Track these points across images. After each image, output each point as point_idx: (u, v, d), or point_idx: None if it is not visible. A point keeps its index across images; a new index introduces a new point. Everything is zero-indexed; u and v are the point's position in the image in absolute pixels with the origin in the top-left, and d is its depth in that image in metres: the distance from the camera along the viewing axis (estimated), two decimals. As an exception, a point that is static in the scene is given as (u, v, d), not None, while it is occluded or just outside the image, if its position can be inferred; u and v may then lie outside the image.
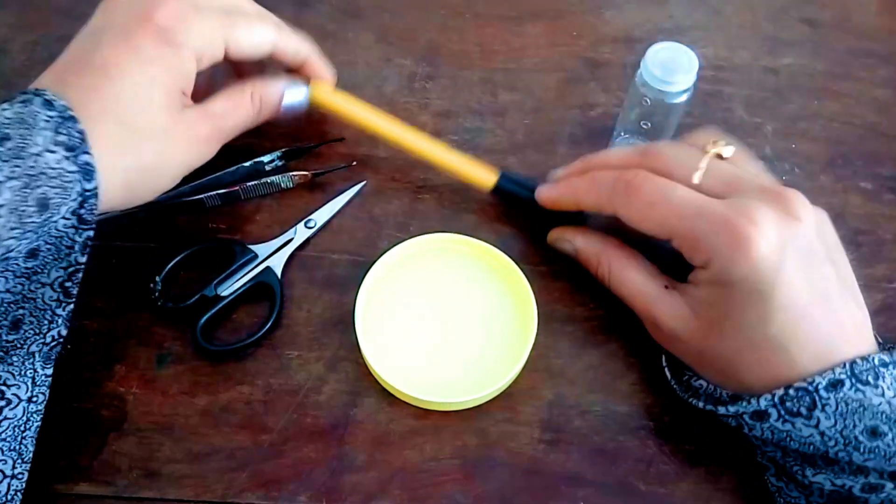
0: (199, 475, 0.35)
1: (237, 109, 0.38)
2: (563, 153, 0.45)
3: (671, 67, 0.39)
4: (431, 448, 0.36)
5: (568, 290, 0.40)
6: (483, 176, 0.41)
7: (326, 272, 0.41)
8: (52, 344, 0.32)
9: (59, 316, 0.32)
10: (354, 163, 0.44)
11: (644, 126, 0.42)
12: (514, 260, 0.39)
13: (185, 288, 0.39)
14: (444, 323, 0.38)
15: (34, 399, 0.32)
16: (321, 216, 0.42)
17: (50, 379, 0.32)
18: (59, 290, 0.31)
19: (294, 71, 0.42)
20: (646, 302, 0.35)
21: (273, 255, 0.40)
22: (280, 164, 0.43)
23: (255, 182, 0.42)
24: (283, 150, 0.43)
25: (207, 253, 0.40)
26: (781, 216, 0.31)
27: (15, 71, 0.48)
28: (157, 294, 0.38)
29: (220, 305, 0.38)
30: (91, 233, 0.31)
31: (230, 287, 0.39)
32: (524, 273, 0.39)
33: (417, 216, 0.43)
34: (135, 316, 0.39)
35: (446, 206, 0.43)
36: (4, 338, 0.31)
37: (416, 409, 0.37)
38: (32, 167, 0.29)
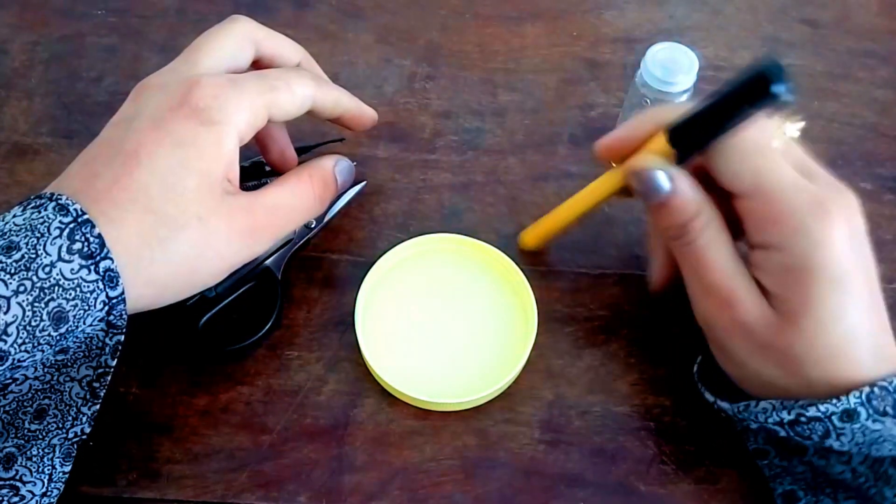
0: (199, 475, 0.35)
1: (296, 198, 0.35)
2: (563, 154, 0.45)
3: (671, 68, 0.39)
4: (431, 448, 0.36)
5: (568, 291, 0.40)
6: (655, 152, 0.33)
7: (326, 272, 0.41)
8: (74, 440, 0.31)
9: (83, 414, 0.31)
10: (355, 163, 0.43)
11: (644, 126, 0.42)
12: (514, 260, 0.39)
13: None
14: (444, 323, 0.38)
15: (48, 494, 0.31)
16: (321, 216, 0.42)
17: (67, 475, 0.32)
18: (86, 388, 0.31)
19: (334, 122, 0.39)
20: (728, 277, 0.31)
21: (272, 256, 0.40)
22: (280, 164, 0.43)
23: (255, 182, 0.42)
24: (283, 150, 0.43)
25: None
26: (855, 208, 0.31)
27: (15, 71, 0.48)
28: None
29: (220, 306, 0.38)
30: (121, 337, 0.30)
31: (230, 288, 0.38)
32: (524, 273, 0.39)
33: (417, 216, 0.43)
34: (134, 316, 0.39)
35: (446, 206, 0.43)
36: (27, 426, 0.30)
37: (415, 409, 0.37)
38: (44, 279, 0.27)
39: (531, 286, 0.38)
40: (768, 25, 0.52)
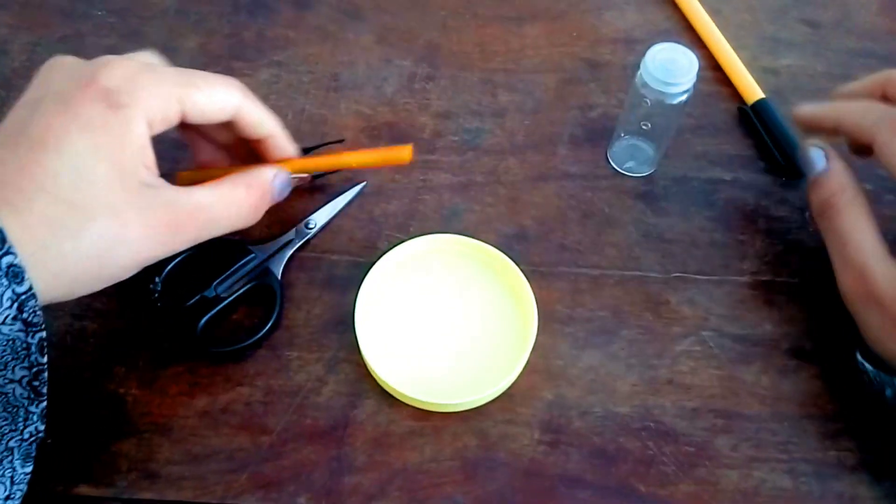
0: (199, 476, 0.35)
1: (229, 205, 0.34)
2: (562, 154, 0.45)
3: (671, 68, 0.39)
4: (431, 449, 0.36)
5: (568, 291, 0.40)
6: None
7: (326, 273, 0.41)
8: (31, 440, 0.30)
9: (32, 413, 0.29)
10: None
11: (644, 127, 0.42)
12: (513, 260, 0.39)
13: (185, 289, 0.39)
14: (444, 324, 0.38)
15: (12, 496, 0.30)
16: (321, 217, 0.42)
17: (29, 476, 0.30)
18: (27, 388, 0.29)
19: (255, 145, 0.37)
20: (865, 255, 0.35)
21: (273, 257, 0.40)
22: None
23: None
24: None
25: (207, 254, 0.40)
26: None
27: (15, 71, 0.48)
28: (156, 295, 0.38)
29: (220, 307, 0.38)
30: (43, 333, 0.28)
31: (230, 288, 0.38)
32: (524, 273, 0.39)
33: (417, 216, 0.43)
34: (134, 317, 0.39)
35: (446, 206, 0.43)
36: None
37: (415, 410, 0.36)
38: None
39: (531, 286, 0.38)
40: (768, 25, 0.52)
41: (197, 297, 0.38)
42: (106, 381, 0.37)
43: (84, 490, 0.34)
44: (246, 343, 0.37)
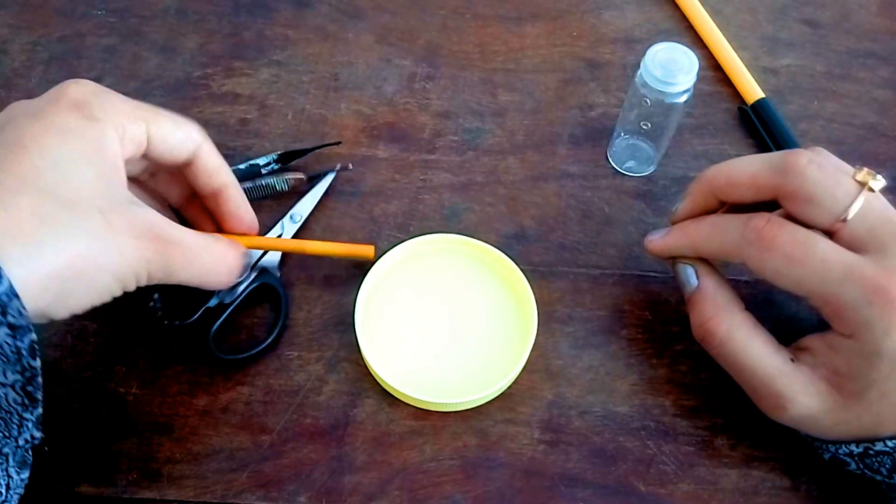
0: (199, 475, 0.35)
1: (212, 255, 0.33)
2: (562, 154, 0.45)
3: (671, 68, 0.39)
4: (431, 449, 0.36)
5: (568, 291, 0.40)
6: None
7: (326, 273, 0.41)
8: (26, 446, 0.29)
9: (27, 420, 0.28)
10: (350, 166, 0.43)
11: (644, 126, 0.42)
12: (513, 260, 0.39)
13: (185, 301, 0.38)
14: (444, 323, 0.38)
15: (7, 501, 0.29)
16: (304, 208, 0.42)
17: (25, 482, 0.29)
18: (21, 393, 0.27)
19: (208, 199, 0.36)
20: (771, 379, 0.32)
21: (266, 255, 0.40)
22: (276, 166, 0.43)
23: (250, 184, 0.42)
24: (280, 152, 0.43)
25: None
26: None
27: (15, 71, 0.48)
28: (159, 314, 0.37)
29: (227, 314, 0.38)
30: (33, 336, 0.26)
31: (232, 293, 0.38)
32: (524, 273, 0.39)
33: (417, 216, 0.43)
34: (134, 317, 0.39)
35: (446, 206, 0.43)
36: None
37: (415, 409, 0.37)
38: None
39: (531, 286, 0.38)
40: (768, 25, 0.52)
41: (202, 311, 0.37)
42: (107, 381, 0.37)
43: (85, 489, 0.34)
44: (263, 345, 0.37)
